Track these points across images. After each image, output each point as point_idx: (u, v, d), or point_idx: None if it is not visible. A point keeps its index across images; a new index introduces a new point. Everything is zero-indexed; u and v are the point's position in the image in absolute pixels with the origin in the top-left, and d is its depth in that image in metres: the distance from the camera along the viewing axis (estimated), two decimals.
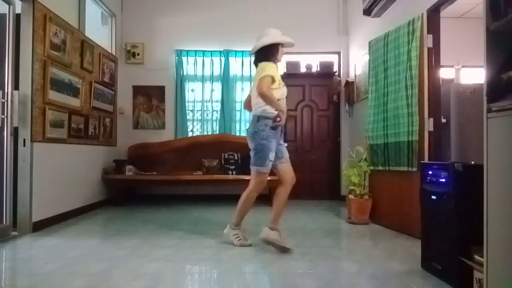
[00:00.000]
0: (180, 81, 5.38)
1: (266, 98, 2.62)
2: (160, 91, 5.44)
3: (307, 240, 3.02)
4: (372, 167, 3.77)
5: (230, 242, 2.79)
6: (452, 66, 4.47)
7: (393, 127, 3.42)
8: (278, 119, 2.61)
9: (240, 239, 2.78)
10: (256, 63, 2.82)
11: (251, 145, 2.72)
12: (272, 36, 2.75)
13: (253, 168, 2.72)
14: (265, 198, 5.08)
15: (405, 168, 3.25)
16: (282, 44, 2.80)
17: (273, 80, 2.64)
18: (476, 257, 1.79)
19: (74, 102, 3.96)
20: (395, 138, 3.39)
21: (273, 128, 2.64)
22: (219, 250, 2.71)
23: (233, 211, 2.86)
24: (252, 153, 2.71)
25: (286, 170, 2.77)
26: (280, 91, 2.71)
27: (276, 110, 2.63)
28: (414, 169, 3.10)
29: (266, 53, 2.74)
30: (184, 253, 2.63)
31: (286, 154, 2.82)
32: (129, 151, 5.30)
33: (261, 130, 2.62)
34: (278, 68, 2.77)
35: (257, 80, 2.65)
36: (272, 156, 2.65)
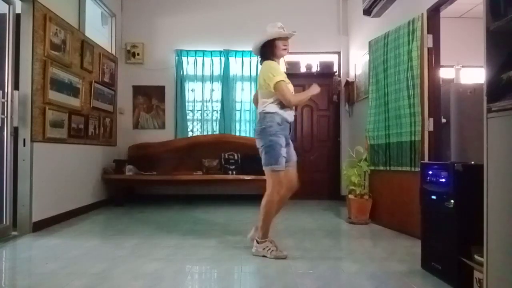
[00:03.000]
0: (180, 81, 5.38)
1: (299, 104, 2.66)
2: (160, 91, 5.44)
3: (307, 240, 3.02)
4: (372, 167, 3.77)
5: (263, 256, 2.51)
6: (452, 66, 4.47)
7: (395, 127, 3.42)
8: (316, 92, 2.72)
9: (272, 251, 2.50)
10: (261, 62, 2.69)
11: (259, 144, 2.56)
12: (265, 34, 2.61)
13: (266, 169, 2.53)
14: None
15: (408, 168, 3.25)
16: (279, 38, 2.60)
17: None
18: (476, 257, 1.79)
19: (74, 102, 3.96)
20: (397, 138, 3.39)
21: (280, 124, 2.53)
22: (219, 250, 2.71)
23: (254, 223, 2.69)
24: (262, 153, 2.54)
25: (289, 175, 2.60)
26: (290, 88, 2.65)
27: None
28: (417, 169, 3.09)
29: (264, 52, 2.64)
30: (184, 253, 2.63)
31: (293, 157, 2.68)
32: (129, 151, 5.30)
33: (268, 126, 2.51)
34: (280, 64, 2.69)
35: (261, 80, 2.58)
36: (284, 152, 2.51)
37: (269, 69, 2.55)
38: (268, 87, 2.52)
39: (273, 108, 2.55)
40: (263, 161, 2.54)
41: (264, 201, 2.54)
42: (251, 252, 2.56)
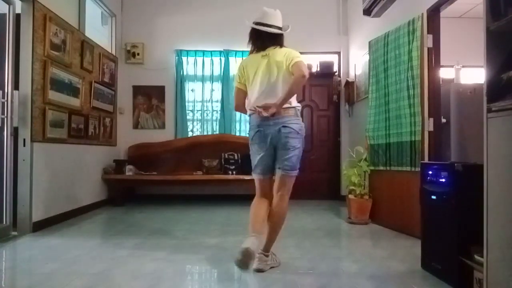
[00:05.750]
0: (180, 81, 5.38)
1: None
2: (160, 91, 5.44)
3: (307, 240, 3.02)
4: (372, 167, 3.77)
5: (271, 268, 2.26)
6: (452, 66, 4.47)
7: (395, 127, 3.42)
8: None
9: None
10: None
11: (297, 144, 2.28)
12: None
13: (292, 173, 2.28)
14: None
15: (408, 168, 3.24)
16: (256, 29, 2.56)
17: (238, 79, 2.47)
18: (476, 257, 1.79)
19: (74, 102, 3.96)
20: (398, 138, 3.39)
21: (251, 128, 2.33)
22: (219, 250, 2.71)
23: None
24: (294, 155, 2.25)
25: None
26: (252, 90, 2.33)
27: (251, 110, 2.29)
28: (417, 169, 3.08)
29: None
30: (184, 253, 2.63)
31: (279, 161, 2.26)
32: (129, 151, 5.30)
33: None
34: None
35: None
36: (253, 160, 2.31)
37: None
38: None
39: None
40: (293, 164, 2.21)
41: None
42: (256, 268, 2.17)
